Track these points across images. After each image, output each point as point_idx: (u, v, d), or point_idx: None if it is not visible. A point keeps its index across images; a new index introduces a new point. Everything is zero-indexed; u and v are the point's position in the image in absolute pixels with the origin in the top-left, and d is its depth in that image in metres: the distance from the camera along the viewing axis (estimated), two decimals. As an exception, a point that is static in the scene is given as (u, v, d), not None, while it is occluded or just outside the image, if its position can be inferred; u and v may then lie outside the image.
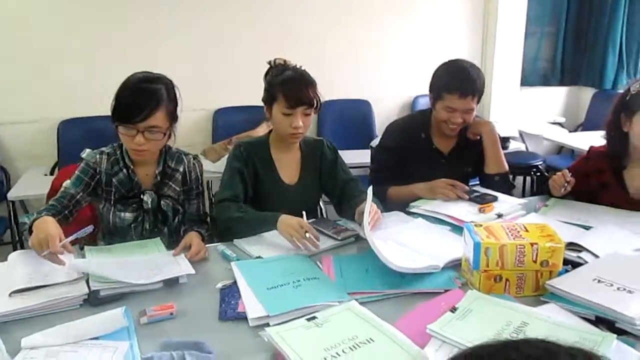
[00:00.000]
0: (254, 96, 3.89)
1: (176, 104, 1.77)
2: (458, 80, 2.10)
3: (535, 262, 1.42)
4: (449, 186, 2.09)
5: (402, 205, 2.11)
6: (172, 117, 1.74)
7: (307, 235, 1.68)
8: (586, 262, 1.55)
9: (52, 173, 3.40)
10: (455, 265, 1.61)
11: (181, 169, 1.89)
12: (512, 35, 4.41)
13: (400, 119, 2.44)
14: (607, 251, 1.59)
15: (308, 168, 2.03)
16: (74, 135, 3.47)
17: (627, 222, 1.87)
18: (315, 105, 1.85)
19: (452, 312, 1.28)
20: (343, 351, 1.16)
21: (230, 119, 3.74)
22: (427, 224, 1.93)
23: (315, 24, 3.96)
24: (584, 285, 1.39)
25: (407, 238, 1.77)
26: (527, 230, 1.49)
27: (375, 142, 3.30)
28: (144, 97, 1.67)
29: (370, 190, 1.71)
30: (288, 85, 1.83)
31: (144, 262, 1.62)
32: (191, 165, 1.91)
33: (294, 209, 1.84)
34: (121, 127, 1.70)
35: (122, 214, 1.81)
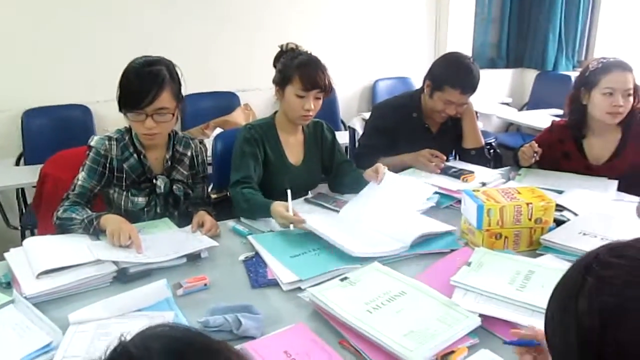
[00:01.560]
0: (222, 82, 3.98)
1: (180, 84, 1.80)
2: (462, 76, 2.25)
3: (530, 219, 1.60)
4: (430, 156, 2.26)
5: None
6: (178, 98, 1.78)
7: (292, 227, 1.73)
8: (569, 219, 1.75)
9: (17, 164, 3.32)
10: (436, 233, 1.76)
11: (189, 154, 1.94)
12: (462, 22, 4.65)
13: (387, 99, 2.58)
14: (583, 210, 1.80)
15: (311, 149, 2.14)
16: (39, 124, 3.39)
17: (590, 186, 2.10)
18: (326, 90, 1.95)
19: (468, 266, 1.43)
20: (382, 303, 1.29)
21: (199, 105, 3.75)
22: (395, 177, 2.06)
23: (286, 9, 4.04)
24: (572, 238, 1.59)
25: (375, 207, 1.90)
26: (520, 193, 1.67)
27: (354, 122, 3.44)
28: (148, 80, 1.71)
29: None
30: (304, 68, 1.92)
31: (165, 240, 1.68)
32: (198, 149, 1.97)
33: (299, 187, 1.95)
34: (130, 114, 1.73)
35: (136, 198, 1.84)
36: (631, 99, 2.13)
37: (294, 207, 1.76)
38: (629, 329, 0.55)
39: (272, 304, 1.39)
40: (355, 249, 1.56)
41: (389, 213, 1.83)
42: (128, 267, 1.51)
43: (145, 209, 1.87)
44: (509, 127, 4.88)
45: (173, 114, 1.77)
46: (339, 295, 1.32)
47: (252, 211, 1.87)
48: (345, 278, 1.41)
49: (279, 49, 2.03)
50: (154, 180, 1.85)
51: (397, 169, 2.26)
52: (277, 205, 1.77)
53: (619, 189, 2.09)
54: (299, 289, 1.43)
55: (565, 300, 0.64)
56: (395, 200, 1.90)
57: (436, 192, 2.05)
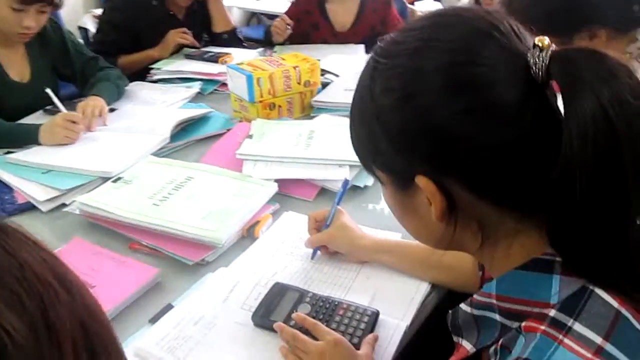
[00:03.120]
0: None
1: None
2: None
3: (299, 83, 1.57)
4: (181, 34, 2.08)
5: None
6: None
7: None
8: (332, 81, 1.78)
9: None
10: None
11: None
12: None
13: None
14: (342, 71, 1.85)
15: (37, 61, 1.69)
16: None
17: (341, 52, 2.17)
18: (52, 2, 1.51)
19: (250, 138, 1.34)
20: (169, 193, 1.13)
21: None
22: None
23: None
24: (339, 95, 1.62)
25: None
26: (284, 59, 1.61)
27: (85, 21, 2.96)
28: None
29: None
30: None
31: None
32: None
33: (32, 109, 1.59)
34: None
35: None
36: None
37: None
38: (430, 90, 0.50)
39: (34, 230, 1.11)
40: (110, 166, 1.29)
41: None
42: None
43: None
44: (250, 19, 4.83)
45: None
46: (115, 198, 1.12)
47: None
48: (119, 179, 1.20)
49: None
50: None
51: (144, 65, 2.02)
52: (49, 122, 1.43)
53: (366, 52, 2.20)
54: (64, 204, 1.18)
55: (361, 97, 0.57)
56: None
57: (197, 79, 1.89)
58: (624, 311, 0.49)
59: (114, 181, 1.19)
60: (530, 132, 0.49)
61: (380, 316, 0.83)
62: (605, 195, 0.45)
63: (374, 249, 0.95)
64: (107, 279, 0.94)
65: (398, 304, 0.88)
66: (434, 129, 0.50)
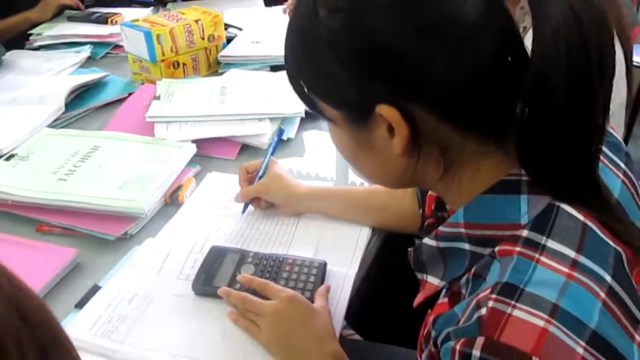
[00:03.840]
0: None
1: None
2: None
3: (203, 38, 1.47)
4: None
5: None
6: None
7: None
8: (236, 34, 1.68)
9: None
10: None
11: None
12: None
13: None
14: (244, 23, 1.76)
15: None
16: None
17: (238, 5, 2.05)
18: None
19: (158, 99, 1.24)
20: (75, 166, 1.02)
21: None
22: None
23: None
24: (248, 48, 1.54)
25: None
26: (184, 14, 1.49)
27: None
28: None
29: None
30: None
31: None
32: None
33: None
34: None
35: None
36: None
37: None
38: (381, 6, 0.46)
39: None
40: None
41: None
42: None
43: None
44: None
45: None
46: (11, 177, 0.99)
47: None
48: (12, 156, 1.06)
49: None
50: None
51: (17, 31, 1.81)
52: None
53: (265, 4, 2.10)
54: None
55: (302, 26, 0.51)
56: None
57: (86, 43, 1.71)
58: (589, 223, 0.48)
59: (7, 159, 1.05)
60: (495, 48, 0.46)
61: (328, 267, 0.80)
62: (577, 101, 0.44)
63: (309, 196, 0.91)
64: (17, 267, 0.81)
65: (343, 252, 0.85)
66: (392, 50, 0.46)
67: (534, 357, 0.41)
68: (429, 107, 0.48)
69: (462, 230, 0.52)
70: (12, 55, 1.64)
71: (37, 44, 1.75)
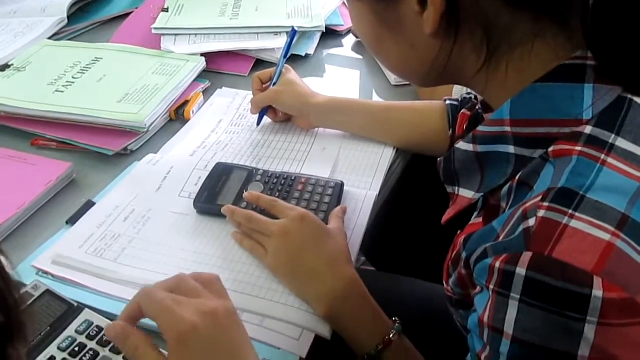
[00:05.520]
0: None
1: None
2: None
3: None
4: None
5: None
6: None
7: None
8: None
9: None
10: None
11: None
12: None
13: None
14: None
15: None
16: None
17: None
18: None
19: (166, 11, 1.13)
20: (74, 77, 0.93)
21: None
22: None
23: None
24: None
25: None
26: None
27: None
28: None
29: None
30: None
31: None
32: None
33: None
34: None
35: None
36: None
37: None
38: None
39: None
40: None
41: None
42: None
43: None
44: None
45: None
46: (6, 87, 0.91)
47: None
48: (7, 66, 0.98)
49: None
50: None
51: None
52: None
53: None
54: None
55: None
56: None
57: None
58: None
59: (2, 70, 0.97)
60: None
61: (345, 188, 0.71)
62: None
63: (327, 107, 0.81)
64: (8, 181, 0.77)
65: (363, 173, 0.76)
66: None
67: (595, 277, 0.33)
68: None
69: (508, 128, 0.42)
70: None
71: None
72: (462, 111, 0.67)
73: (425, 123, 0.77)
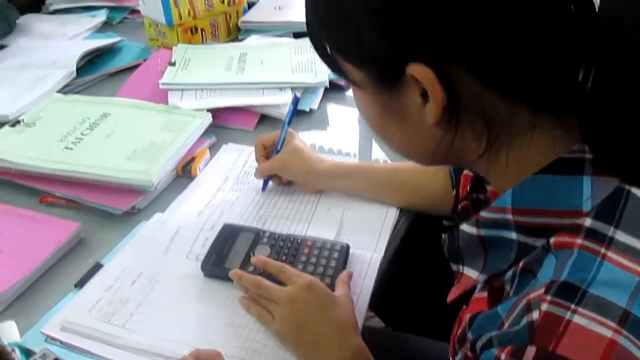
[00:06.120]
0: None
1: None
2: None
3: (223, 2, 1.38)
4: None
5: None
6: None
7: None
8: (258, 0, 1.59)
9: None
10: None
11: None
12: None
13: None
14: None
15: None
16: None
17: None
18: None
19: (173, 65, 1.16)
20: (82, 134, 0.95)
21: None
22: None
23: None
24: (271, 14, 1.44)
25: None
26: (203, -25, 1.41)
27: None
28: None
29: None
30: None
31: None
32: None
33: None
34: None
35: None
36: None
37: None
38: None
39: None
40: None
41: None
42: None
43: None
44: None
45: None
46: (16, 144, 0.93)
47: None
48: (18, 122, 1.00)
49: None
50: None
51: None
52: None
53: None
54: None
55: None
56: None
57: (102, 7, 1.64)
58: None
59: (12, 125, 0.99)
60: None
61: (351, 250, 0.72)
62: None
63: (331, 173, 0.83)
64: (17, 240, 0.77)
65: (367, 235, 0.77)
66: None
67: None
68: (471, 67, 0.40)
69: (509, 216, 0.43)
70: (26, 19, 1.57)
71: (52, 7, 1.69)
72: (464, 172, 0.69)
73: (429, 185, 0.79)
